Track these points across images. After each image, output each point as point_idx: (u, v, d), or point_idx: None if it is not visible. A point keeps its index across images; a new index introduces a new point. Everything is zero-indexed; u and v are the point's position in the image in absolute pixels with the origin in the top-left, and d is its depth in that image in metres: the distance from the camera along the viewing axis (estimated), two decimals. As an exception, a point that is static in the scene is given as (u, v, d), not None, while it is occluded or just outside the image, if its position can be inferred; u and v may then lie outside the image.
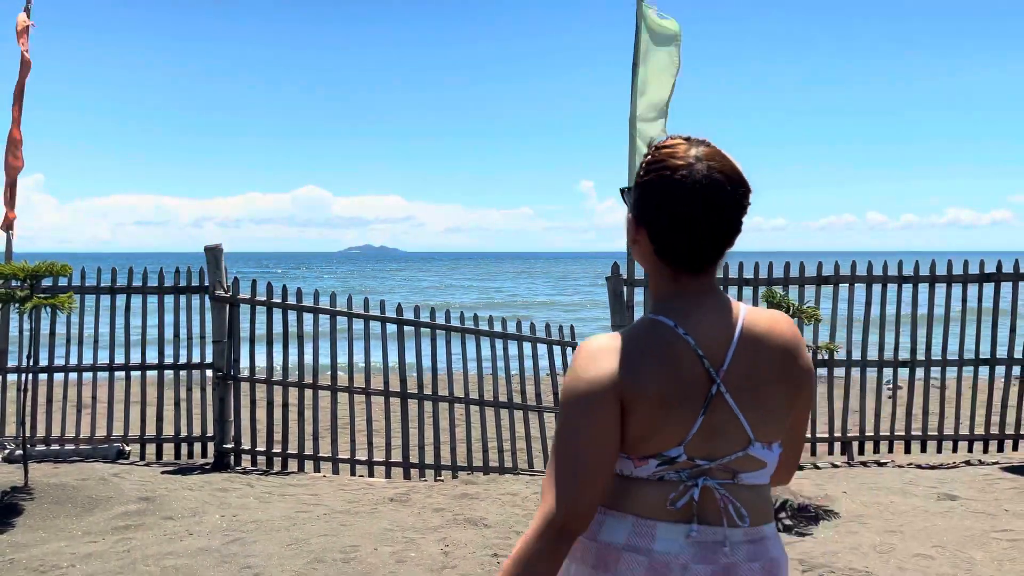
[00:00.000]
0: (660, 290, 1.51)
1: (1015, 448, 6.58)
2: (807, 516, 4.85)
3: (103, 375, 6.88)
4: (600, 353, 1.43)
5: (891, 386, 10.56)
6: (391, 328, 6.88)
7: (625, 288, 6.37)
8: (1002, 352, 6.58)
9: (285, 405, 6.71)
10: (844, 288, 6.56)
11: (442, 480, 6.53)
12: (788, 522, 4.80)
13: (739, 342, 1.45)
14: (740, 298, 6.36)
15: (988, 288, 6.55)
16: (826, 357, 6.35)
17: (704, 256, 1.46)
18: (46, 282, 6.43)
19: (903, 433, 6.61)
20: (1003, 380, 6.57)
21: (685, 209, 1.42)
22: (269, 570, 4.10)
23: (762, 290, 5.76)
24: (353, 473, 6.68)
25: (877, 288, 6.58)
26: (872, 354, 6.61)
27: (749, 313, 1.49)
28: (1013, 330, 6.50)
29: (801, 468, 6.31)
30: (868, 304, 6.57)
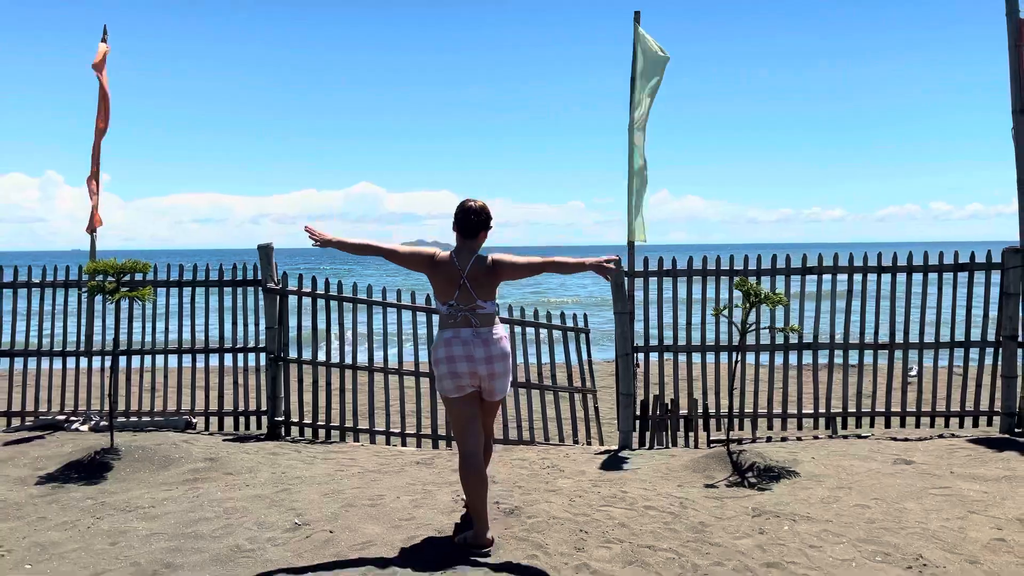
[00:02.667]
0: (456, 245, 4.44)
1: (989, 423, 7.14)
2: (770, 475, 5.56)
3: (173, 357, 7.93)
4: (437, 252, 4.46)
5: (913, 373, 11.09)
6: (421, 316, 7.75)
7: (626, 279, 7.10)
8: (976, 336, 7.15)
9: (328, 384, 7.64)
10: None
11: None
12: (752, 479, 5.52)
13: (470, 266, 4.35)
14: (731, 287, 7.06)
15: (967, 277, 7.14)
16: (793, 341, 7.02)
17: (463, 235, 4.41)
18: (124, 278, 7.46)
19: (883, 410, 7.23)
20: (977, 361, 7.14)
21: (460, 217, 4.42)
22: (310, 511, 5.00)
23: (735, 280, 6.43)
24: (388, 443, 7.59)
25: (858, 276, 7.20)
26: (854, 338, 7.23)
27: (479, 254, 4.40)
28: (986, 315, 7.05)
29: (785, 440, 6.99)
30: (850, 292, 7.19)
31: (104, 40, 8.57)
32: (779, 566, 4.08)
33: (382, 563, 4.12)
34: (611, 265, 4.27)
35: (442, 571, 4.02)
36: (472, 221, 4.41)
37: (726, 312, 6.28)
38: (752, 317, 6.09)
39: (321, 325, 7.75)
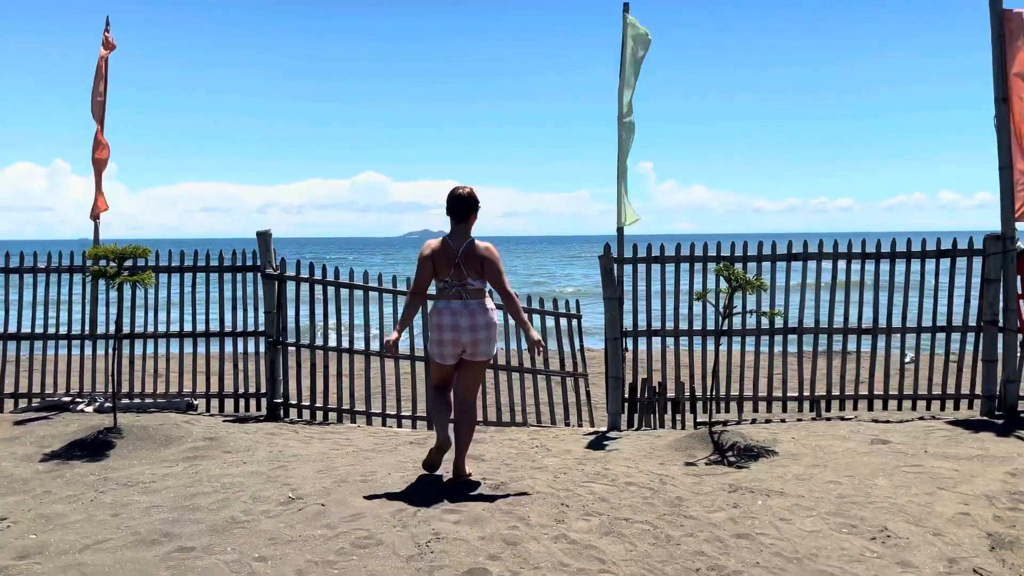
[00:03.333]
0: (450, 229, 5.18)
1: (970, 406, 7.30)
2: (750, 454, 5.75)
3: (175, 341, 8.14)
4: (429, 244, 5.18)
5: (908, 359, 11.25)
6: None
7: (615, 265, 7.28)
8: (957, 321, 7.30)
9: (326, 367, 7.85)
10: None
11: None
12: (732, 458, 5.70)
13: (464, 247, 5.09)
14: (715, 273, 7.23)
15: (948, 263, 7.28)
16: (779, 325, 7.19)
17: (456, 219, 5.16)
18: (125, 262, 7.66)
19: (867, 393, 7.40)
20: (958, 345, 7.30)
21: (451, 203, 5.17)
22: (304, 487, 5.20)
23: (719, 265, 6.59)
24: (384, 424, 7.79)
25: (843, 263, 7.36)
26: (838, 323, 7.40)
27: (475, 240, 5.12)
28: (967, 301, 7.21)
29: (769, 422, 7.16)
30: (834, 278, 7.35)
31: (107, 30, 8.74)
32: (749, 537, 4.27)
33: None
34: (540, 349, 5.00)
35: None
36: (463, 206, 5.16)
37: (709, 297, 6.45)
38: (738, 303, 6.26)
39: (319, 310, 7.95)
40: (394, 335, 5.13)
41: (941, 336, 7.39)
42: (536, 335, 5.03)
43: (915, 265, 7.30)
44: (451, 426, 5.32)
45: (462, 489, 5.13)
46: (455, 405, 5.34)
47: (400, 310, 7.90)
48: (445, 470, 5.51)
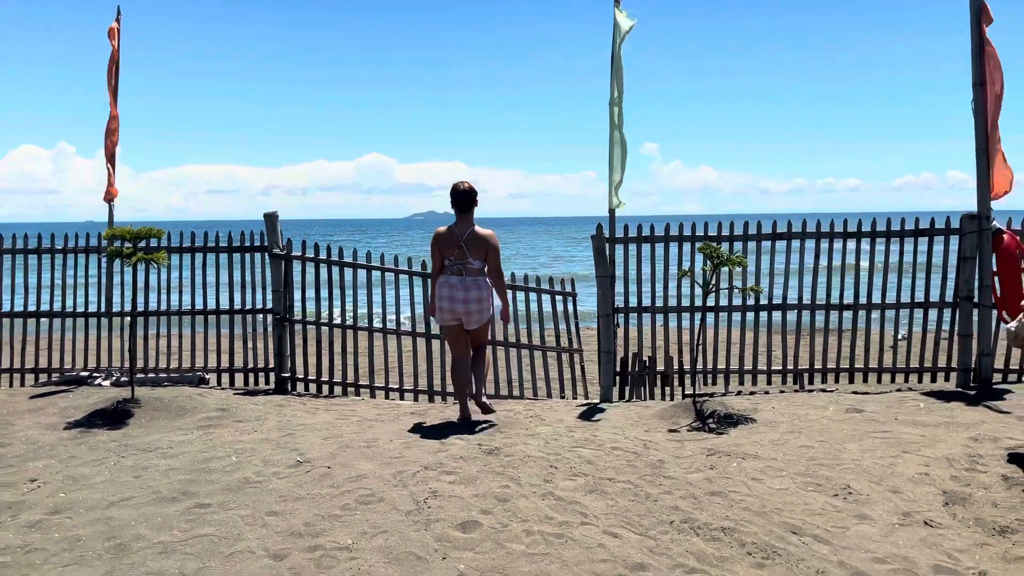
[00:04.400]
0: (456, 217, 6.26)
1: (947, 379, 7.63)
2: (729, 422, 6.10)
3: (187, 318, 8.51)
4: (437, 232, 6.32)
5: (901, 336, 11.55)
6: (418, 280, 8.29)
7: (607, 245, 7.60)
8: (935, 297, 7.62)
9: (331, 343, 8.21)
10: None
11: (456, 404, 7.94)
12: (713, 425, 6.06)
13: (468, 233, 6.17)
14: (699, 251, 7.56)
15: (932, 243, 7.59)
16: (763, 302, 7.52)
17: (459, 210, 6.24)
18: (140, 243, 8.00)
19: (847, 366, 7.73)
20: (935, 321, 7.62)
21: (454, 196, 6.26)
22: (311, 452, 5.58)
23: (708, 245, 6.91)
24: (387, 397, 8.16)
25: (825, 243, 7.67)
26: (821, 299, 7.72)
27: (476, 226, 6.22)
28: (944, 278, 7.52)
29: (753, 394, 7.51)
30: (817, 256, 7.67)
31: (118, 20, 9.04)
32: (722, 494, 4.63)
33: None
34: (506, 322, 6.84)
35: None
36: (465, 200, 6.22)
37: (696, 275, 6.77)
38: (724, 280, 6.59)
39: (324, 289, 8.30)
40: (433, 305, 6.50)
41: (919, 312, 7.71)
42: (508, 312, 6.65)
43: (896, 244, 7.61)
44: (468, 397, 6.49)
45: (459, 453, 5.50)
46: (472, 349, 6.47)
47: (403, 290, 8.28)
48: (445, 438, 5.88)
